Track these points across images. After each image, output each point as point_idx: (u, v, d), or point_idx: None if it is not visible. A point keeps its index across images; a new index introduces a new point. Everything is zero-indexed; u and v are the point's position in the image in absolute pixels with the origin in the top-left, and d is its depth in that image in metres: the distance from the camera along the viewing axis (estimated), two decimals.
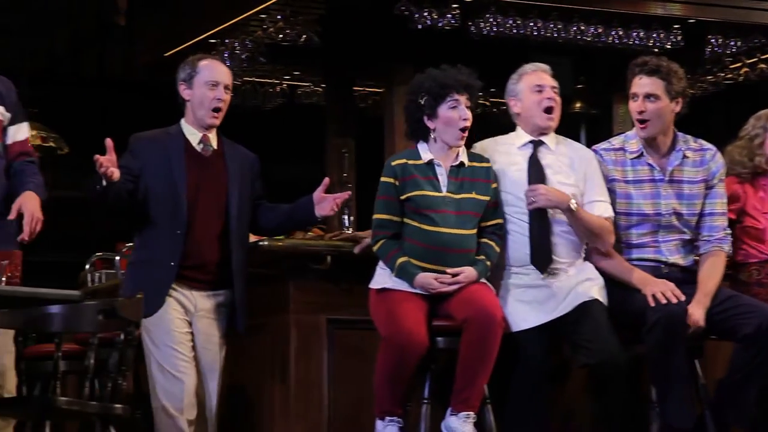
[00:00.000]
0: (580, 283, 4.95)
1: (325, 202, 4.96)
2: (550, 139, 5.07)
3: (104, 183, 4.62)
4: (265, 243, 5.19)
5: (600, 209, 5.00)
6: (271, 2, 6.95)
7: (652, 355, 4.86)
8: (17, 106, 4.69)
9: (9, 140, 4.66)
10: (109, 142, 4.66)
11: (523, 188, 4.95)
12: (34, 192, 4.56)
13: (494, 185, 4.95)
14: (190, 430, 4.75)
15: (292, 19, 7.15)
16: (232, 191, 4.90)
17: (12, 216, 4.46)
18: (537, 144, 5.04)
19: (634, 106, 5.09)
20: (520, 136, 5.07)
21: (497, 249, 4.91)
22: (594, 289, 4.96)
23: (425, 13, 6.81)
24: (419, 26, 6.83)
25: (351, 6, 7.11)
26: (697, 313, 4.89)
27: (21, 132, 4.70)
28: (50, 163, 8.46)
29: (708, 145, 5.20)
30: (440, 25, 6.83)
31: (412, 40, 7.06)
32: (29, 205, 4.49)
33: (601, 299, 4.95)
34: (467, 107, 4.88)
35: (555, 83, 5.07)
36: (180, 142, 4.88)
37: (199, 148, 4.92)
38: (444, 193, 4.87)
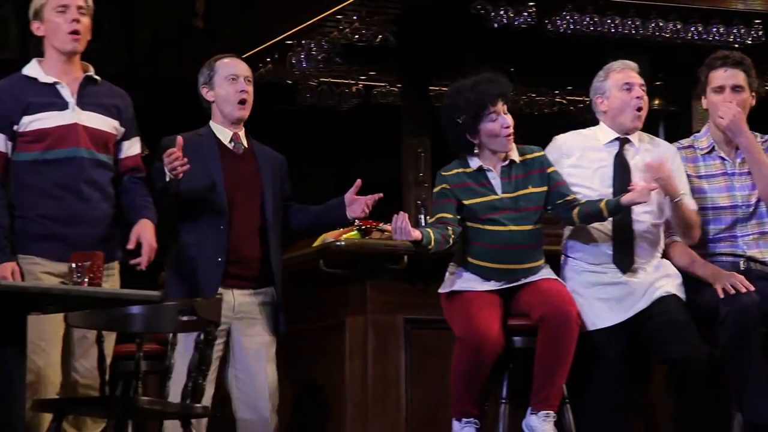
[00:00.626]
0: (658, 279, 4.93)
1: (356, 204, 4.96)
2: (635, 136, 5.06)
3: (167, 179, 4.68)
4: (342, 243, 5.23)
5: (687, 202, 4.97)
6: (347, 3, 6.98)
7: (727, 350, 4.81)
8: (132, 121, 4.74)
9: (122, 155, 4.71)
10: (179, 140, 4.72)
11: (607, 186, 4.94)
12: (150, 221, 4.62)
13: (550, 170, 4.93)
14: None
15: (368, 20, 7.17)
16: (266, 189, 4.93)
17: (131, 245, 4.52)
18: (623, 142, 5.03)
19: (718, 98, 5.06)
20: (605, 133, 5.06)
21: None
22: (672, 285, 4.93)
23: (501, 12, 6.80)
24: (495, 25, 6.82)
25: (427, 5, 7.12)
26: None
27: (134, 147, 4.74)
28: None
29: None
30: (516, 23, 6.81)
31: (487, 39, 7.05)
32: (147, 234, 4.56)
33: (679, 295, 4.92)
34: (506, 113, 4.86)
35: (642, 81, 5.06)
36: (212, 140, 4.91)
37: (230, 146, 4.95)
38: (500, 195, 4.88)
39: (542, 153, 4.97)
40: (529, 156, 4.94)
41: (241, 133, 5.00)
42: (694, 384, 4.80)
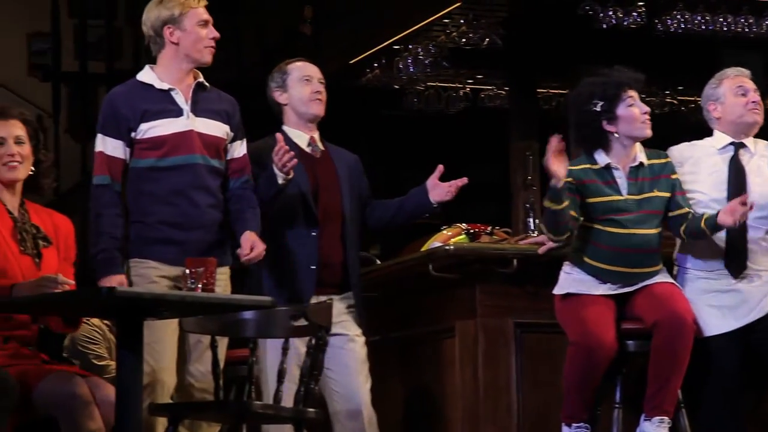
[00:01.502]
0: None
1: (439, 188, 4.91)
2: (750, 141, 5.01)
3: (280, 182, 4.69)
4: (451, 247, 5.24)
5: None
6: (454, 7, 7.00)
7: None
8: (239, 124, 4.78)
9: (228, 156, 4.74)
10: (279, 136, 4.74)
11: (721, 190, 4.90)
12: (255, 233, 4.63)
13: (674, 176, 4.91)
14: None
15: (474, 23, 7.19)
16: (344, 191, 4.92)
17: (245, 251, 4.56)
18: (738, 146, 4.98)
19: None
20: (719, 140, 5.01)
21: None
22: None
23: (610, 12, 6.77)
24: (604, 25, 6.79)
25: (534, 7, 7.10)
26: None
27: (239, 149, 4.76)
28: None
29: None
30: (626, 23, 6.78)
31: (596, 40, 7.01)
32: (257, 241, 4.58)
33: None
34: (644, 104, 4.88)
35: (756, 87, 5.02)
36: (290, 145, 4.84)
37: (308, 149, 4.94)
38: (625, 196, 4.85)
39: (669, 159, 4.94)
40: (657, 161, 4.92)
41: (316, 136, 4.99)
42: None
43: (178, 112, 4.63)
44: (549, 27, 7.19)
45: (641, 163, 4.89)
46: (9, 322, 4.24)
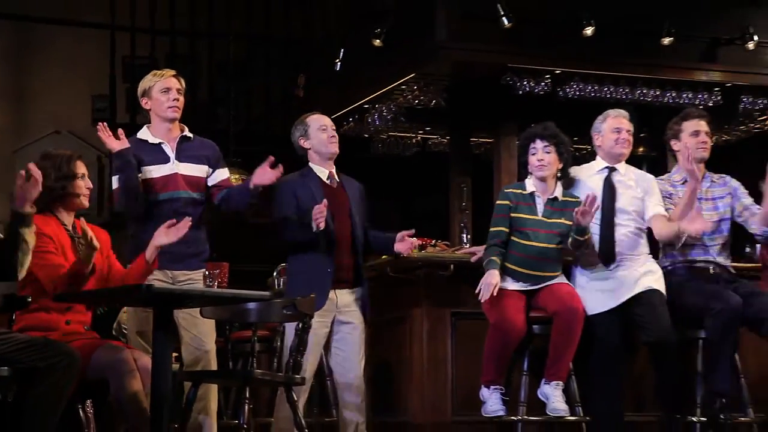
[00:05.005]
0: (643, 274, 4.92)
1: (404, 243, 4.90)
2: (621, 166, 5.07)
3: (314, 230, 4.67)
4: (403, 255, 5.27)
5: (659, 210, 4.97)
6: (409, 77, 7.04)
7: (711, 335, 4.80)
8: (218, 161, 4.77)
9: (215, 181, 4.74)
10: (325, 201, 4.69)
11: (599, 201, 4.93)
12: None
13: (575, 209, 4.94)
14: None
15: (425, 89, 7.22)
16: (354, 212, 4.92)
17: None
18: (611, 169, 5.03)
19: (695, 140, 5.06)
20: (599, 163, 5.08)
21: None
22: (653, 279, 4.92)
23: (525, 82, 6.82)
24: (520, 92, 6.84)
25: (469, 78, 7.16)
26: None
27: (220, 174, 4.75)
28: None
29: (724, 176, 5.16)
30: (536, 91, 6.83)
31: (514, 102, 7.07)
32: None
33: (659, 288, 4.90)
34: (545, 152, 4.90)
35: (631, 126, 5.08)
36: (315, 178, 4.91)
37: (328, 181, 4.94)
38: (539, 217, 4.90)
39: (579, 199, 4.93)
40: (570, 198, 4.97)
41: (333, 170, 4.99)
42: (667, 360, 4.80)
43: (165, 160, 4.65)
44: (480, 92, 7.24)
45: (556, 197, 4.95)
46: (70, 309, 4.24)
